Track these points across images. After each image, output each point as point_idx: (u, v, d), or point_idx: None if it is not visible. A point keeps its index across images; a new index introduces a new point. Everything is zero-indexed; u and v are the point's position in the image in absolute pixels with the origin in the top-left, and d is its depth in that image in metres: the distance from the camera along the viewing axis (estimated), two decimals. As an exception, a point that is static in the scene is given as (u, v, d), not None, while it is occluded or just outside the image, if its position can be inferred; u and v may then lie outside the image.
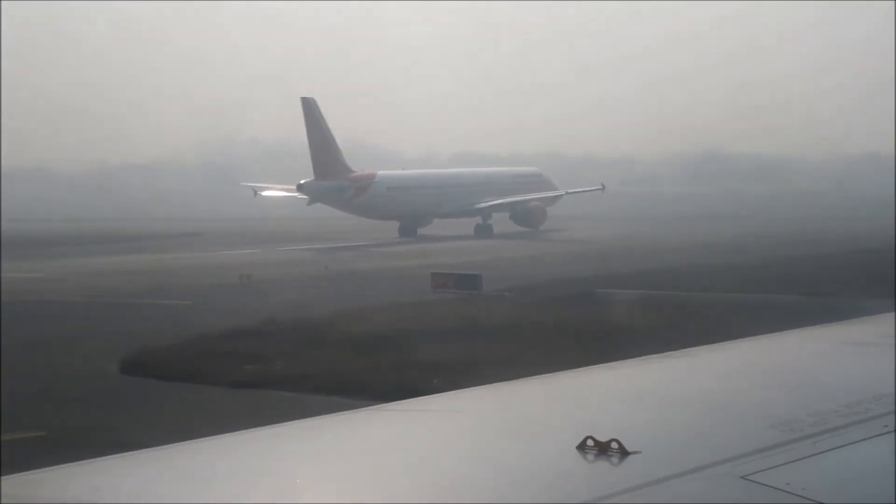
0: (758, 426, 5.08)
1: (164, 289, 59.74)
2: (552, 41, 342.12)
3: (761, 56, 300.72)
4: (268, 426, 5.66)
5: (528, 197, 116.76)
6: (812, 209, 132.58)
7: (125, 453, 5.22)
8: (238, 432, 5.50)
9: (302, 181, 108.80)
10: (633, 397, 6.08)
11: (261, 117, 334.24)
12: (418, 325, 41.84)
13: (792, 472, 4.31)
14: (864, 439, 4.80)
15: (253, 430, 5.55)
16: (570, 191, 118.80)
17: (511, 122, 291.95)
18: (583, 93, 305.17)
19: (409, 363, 33.71)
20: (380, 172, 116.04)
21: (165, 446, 5.31)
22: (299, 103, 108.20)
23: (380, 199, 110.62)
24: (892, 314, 8.91)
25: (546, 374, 6.73)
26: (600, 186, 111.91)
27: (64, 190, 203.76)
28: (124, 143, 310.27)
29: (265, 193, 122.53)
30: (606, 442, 4.58)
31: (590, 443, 4.60)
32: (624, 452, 4.53)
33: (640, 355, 7.68)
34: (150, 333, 42.38)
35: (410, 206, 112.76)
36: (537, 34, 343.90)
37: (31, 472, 4.88)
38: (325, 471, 4.86)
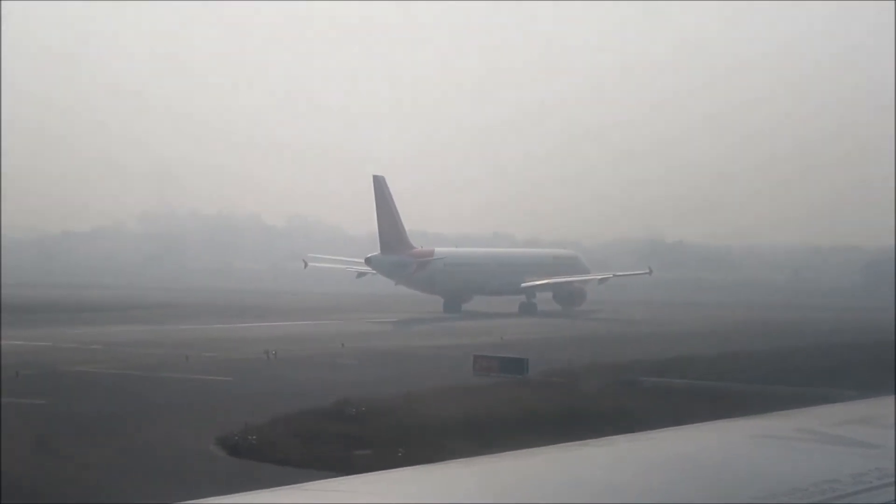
0: None
1: (197, 362, 58.54)
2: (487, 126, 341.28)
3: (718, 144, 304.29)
4: None
5: (572, 278, 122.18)
6: (773, 296, 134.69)
7: None
8: None
9: (369, 255, 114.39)
10: (546, 486, 6.06)
11: (202, 190, 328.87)
12: (480, 414, 40.76)
13: None
14: None
15: None
16: (617, 273, 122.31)
17: (462, 203, 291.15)
18: (526, 175, 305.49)
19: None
20: (437, 249, 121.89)
21: None
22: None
23: (438, 275, 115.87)
24: (813, 408, 9.26)
25: (461, 459, 6.68)
26: (648, 270, 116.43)
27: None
28: (65, 211, 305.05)
29: (318, 265, 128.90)
30: None
31: None
32: None
33: None
34: (224, 412, 41.26)
35: (466, 282, 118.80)
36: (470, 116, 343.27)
37: None
38: None
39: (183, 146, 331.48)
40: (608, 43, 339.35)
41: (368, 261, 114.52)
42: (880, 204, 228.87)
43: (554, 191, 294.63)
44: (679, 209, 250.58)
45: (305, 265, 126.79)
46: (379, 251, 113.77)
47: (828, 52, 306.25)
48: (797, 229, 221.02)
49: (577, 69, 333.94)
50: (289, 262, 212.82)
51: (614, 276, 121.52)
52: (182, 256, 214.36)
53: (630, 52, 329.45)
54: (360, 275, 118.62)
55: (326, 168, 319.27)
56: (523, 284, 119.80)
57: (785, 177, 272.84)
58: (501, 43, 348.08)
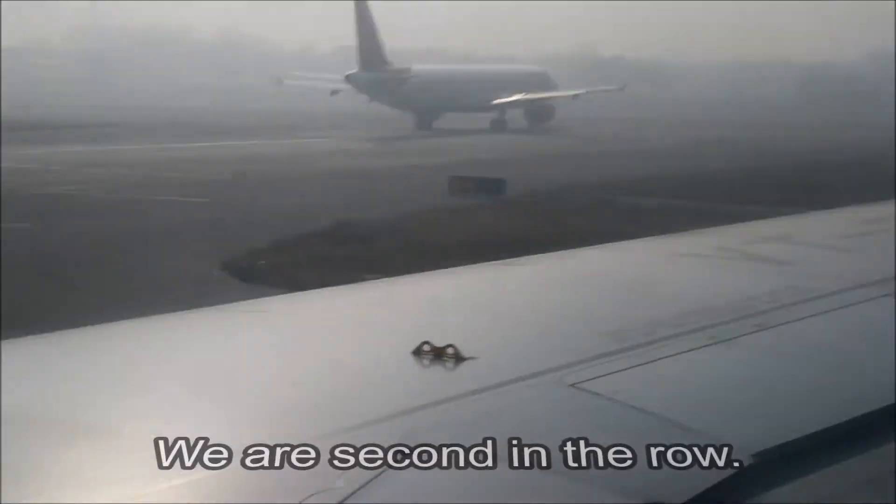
0: (589, 335, 5.15)
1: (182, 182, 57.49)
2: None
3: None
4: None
5: (544, 95, 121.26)
6: (718, 113, 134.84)
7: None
8: None
9: (349, 72, 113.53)
10: (472, 304, 6.09)
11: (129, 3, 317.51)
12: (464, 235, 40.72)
13: (619, 380, 4.40)
14: (688, 350, 4.89)
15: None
16: (591, 89, 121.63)
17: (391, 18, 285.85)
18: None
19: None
20: (415, 66, 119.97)
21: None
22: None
23: (414, 92, 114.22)
24: (738, 225, 9.27)
25: (387, 279, 6.70)
26: (622, 86, 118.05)
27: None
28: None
29: (293, 83, 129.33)
30: (442, 347, 4.58)
31: (426, 348, 4.60)
32: (459, 358, 4.55)
33: None
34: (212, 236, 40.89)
35: (440, 100, 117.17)
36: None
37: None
38: (141, 375, 4.59)
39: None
40: None
41: (348, 78, 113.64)
42: (811, 17, 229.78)
43: (486, 6, 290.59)
44: (611, 23, 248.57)
45: (280, 83, 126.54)
46: (358, 68, 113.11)
47: None
48: (728, 43, 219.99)
49: None
50: (224, 81, 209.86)
51: (587, 91, 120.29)
52: (115, 76, 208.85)
53: None
54: (335, 92, 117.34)
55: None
56: (494, 101, 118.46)
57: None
58: None
